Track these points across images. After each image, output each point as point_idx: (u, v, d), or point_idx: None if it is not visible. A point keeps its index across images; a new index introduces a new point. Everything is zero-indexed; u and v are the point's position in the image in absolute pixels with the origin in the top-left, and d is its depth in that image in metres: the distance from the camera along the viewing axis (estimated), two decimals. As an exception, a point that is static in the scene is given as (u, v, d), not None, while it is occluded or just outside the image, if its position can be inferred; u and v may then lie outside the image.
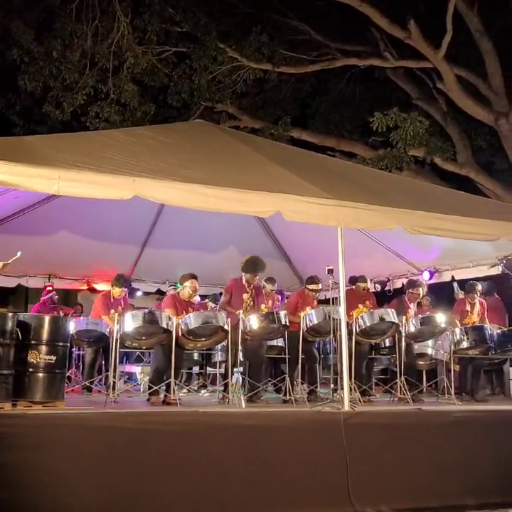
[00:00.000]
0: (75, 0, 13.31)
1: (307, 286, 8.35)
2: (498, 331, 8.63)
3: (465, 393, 8.56)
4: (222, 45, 14.17)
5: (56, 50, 13.53)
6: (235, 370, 7.44)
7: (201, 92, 14.55)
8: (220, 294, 11.37)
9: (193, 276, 7.91)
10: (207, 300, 9.98)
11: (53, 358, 5.96)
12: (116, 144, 7.04)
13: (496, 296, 9.87)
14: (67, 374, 7.72)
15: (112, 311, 8.47)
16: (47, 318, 6.21)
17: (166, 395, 7.17)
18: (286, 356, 7.99)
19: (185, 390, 9.20)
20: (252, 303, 7.87)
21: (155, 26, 13.72)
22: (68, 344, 6.34)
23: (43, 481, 4.96)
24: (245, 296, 7.85)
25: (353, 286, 8.60)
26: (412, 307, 8.76)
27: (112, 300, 8.70)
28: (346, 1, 13.04)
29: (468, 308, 8.94)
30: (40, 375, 5.93)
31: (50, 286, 10.65)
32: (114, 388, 7.01)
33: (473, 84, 13.69)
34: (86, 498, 5.04)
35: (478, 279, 9.33)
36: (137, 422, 5.49)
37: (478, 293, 8.93)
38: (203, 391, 9.37)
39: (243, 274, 7.90)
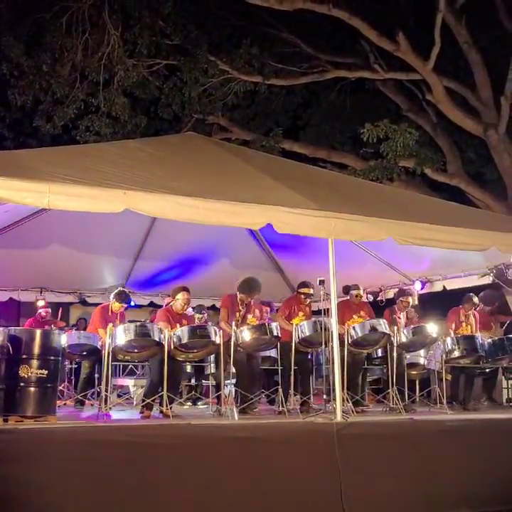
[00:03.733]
0: (65, 14, 13.34)
1: (299, 290, 8.38)
2: (489, 340, 8.67)
3: (456, 402, 8.58)
4: (212, 58, 14.23)
5: (46, 64, 13.54)
6: (227, 382, 7.43)
7: (192, 105, 14.59)
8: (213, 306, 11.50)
9: (185, 289, 7.95)
10: (193, 312, 9.98)
11: (45, 372, 5.93)
12: (106, 157, 7.05)
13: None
14: (59, 388, 7.68)
15: (111, 324, 8.46)
16: (38, 333, 6.19)
17: (160, 409, 7.15)
18: (279, 367, 7.99)
19: (186, 406, 9.18)
20: (241, 320, 7.86)
21: (145, 39, 13.75)
22: (60, 358, 6.30)
23: (35, 496, 4.92)
24: (237, 315, 7.86)
25: (347, 297, 8.63)
26: (402, 316, 8.79)
27: (110, 313, 8.68)
28: (336, 14, 13.13)
29: (462, 319, 8.97)
30: (32, 389, 5.89)
31: (41, 299, 10.61)
32: (106, 402, 6.99)
33: (462, 96, 13.79)
34: (78, 512, 5.02)
35: (468, 289, 9.37)
36: (130, 435, 5.46)
37: (475, 305, 8.97)
38: (198, 403, 9.36)
39: (238, 292, 7.91)
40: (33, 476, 4.94)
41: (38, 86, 13.73)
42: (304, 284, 8.28)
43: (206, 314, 9.97)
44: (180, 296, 7.89)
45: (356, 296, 8.62)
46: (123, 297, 8.66)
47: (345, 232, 6.62)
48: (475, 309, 9.09)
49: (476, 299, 9.01)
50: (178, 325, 7.69)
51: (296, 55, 15.12)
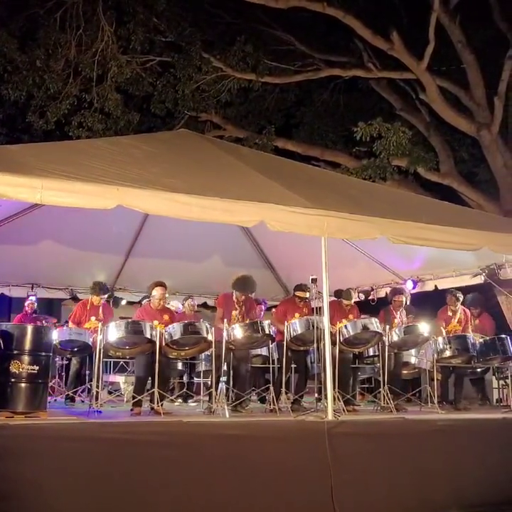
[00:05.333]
0: (59, 9, 13.31)
1: (295, 293, 8.37)
2: (481, 340, 8.70)
3: (446, 402, 8.61)
4: (206, 55, 14.20)
5: (40, 60, 13.47)
6: (219, 379, 7.42)
7: (185, 102, 14.56)
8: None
9: (159, 284, 7.94)
10: (180, 306, 10.00)
11: (36, 367, 5.93)
12: (99, 153, 7.03)
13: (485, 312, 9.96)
14: (50, 384, 7.66)
15: (93, 318, 8.43)
16: (29, 328, 6.19)
17: (151, 406, 7.14)
18: (271, 366, 7.99)
19: (178, 403, 9.18)
20: (240, 319, 7.86)
21: (139, 36, 13.70)
22: (51, 354, 6.30)
23: (26, 491, 4.92)
24: (234, 313, 7.83)
25: (337, 299, 8.64)
26: (398, 315, 8.80)
27: (89, 308, 8.65)
28: (330, 12, 13.12)
29: (450, 314, 9.02)
30: (23, 385, 5.90)
31: (32, 295, 10.58)
32: (97, 398, 6.97)
33: (455, 96, 13.82)
34: (68, 509, 5.00)
35: (460, 289, 9.41)
36: (120, 432, 5.46)
37: (459, 300, 9.02)
38: (189, 400, 9.35)
39: (233, 291, 7.91)
40: (23, 472, 4.94)
41: (31, 81, 13.66)
42: (300, 287, 8.24)
43: (196, 302, 9.97)
44: (155, 292, 7.90)
45: (347, 305, 8.62)
46: (98, 289, 8.62)
47: (339, 231, 6.63)
48: (462, 304, 9.13)
49: (459, 294, 9.05)
50: (154, 321, 7.62)
51: (290, 53, 15.11)
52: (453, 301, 9.00)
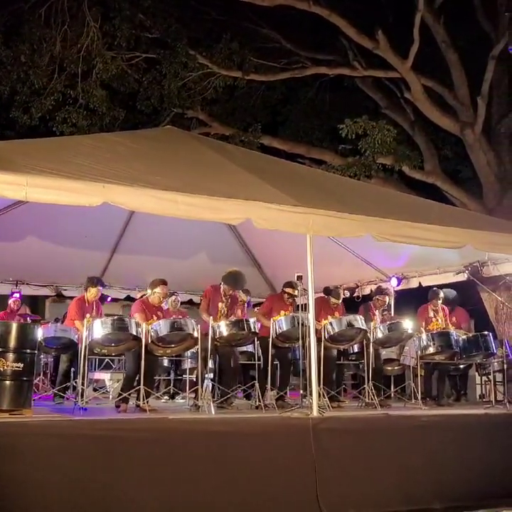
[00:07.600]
0: (44, 5, 13.23)
1: (285, 289, 8.39)
2: (463, 336, 8.78)
3: (429, 398, 8.68)
4: (192, 52, 14.16)
5: (24, 55, 13.39)
6: (205, 376, 7.45)
7: (171, 98, 14.52)
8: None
9: (163, 282, 7.93)
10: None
11: (20, 365, 5.90)
12: (85, 150, 7.00)
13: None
14: (35, 381, 7.63)
15: (88, 315, 8.39)
16: (14, 326, 6.15)
17: (137, 403, 7.15)
18: (256, 362, 8.02)
19: (163, 400, 9.18)
20: (226, 312, 7.92)
21: (125, 32, 13.65)
22: (36, 351, 6.27)
23: (9, 489, 4.90)
24: (220, 305, 7.89)
25: (326, 296, 8.69)
26: (377, 314, 8.87)
27: (86, 304, 8.57)
28: (316, 11, 13.16)
29: (431, 314, 9.07)
30: (7, 382, 5.86)
31: (17, 292, 10.53)
32: (82, 395, 6.96)
33: (440, 95, 13.90)
34: (54, 506, 5.00)
35: (444, 286, 9.48)
36: (106, 429, 5.46)
37: (441, 299, 9.08)
38: (177, 397, 9.36)
39: (222, 283, 7.93)
40: (7, 470, 4.92)
41: (15, 76, 13.60)
42: (290, 284, 8.26)
43: (179, 298, 10.04)
44: (159, 290, 7.89)
45: (334, 303, 8.67)
46: (95, 281, 8.54)
47: (324, 229, 6.66)
48: (443, 303, 9.20)
49: (441, 294, 9.12)
50: (154, 317, 7.71)
51: (276, 50, 15.10)
52: (435, 302, 9.07)
